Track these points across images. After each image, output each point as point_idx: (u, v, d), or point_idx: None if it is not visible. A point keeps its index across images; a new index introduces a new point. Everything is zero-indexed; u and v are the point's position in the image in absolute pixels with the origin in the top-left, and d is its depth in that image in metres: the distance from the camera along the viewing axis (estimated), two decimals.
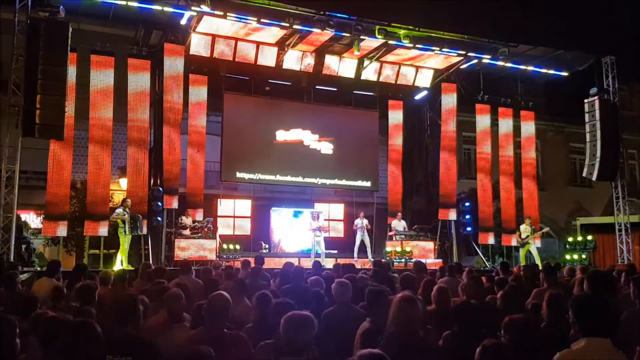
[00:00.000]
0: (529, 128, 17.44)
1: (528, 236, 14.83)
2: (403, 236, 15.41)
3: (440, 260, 15.13)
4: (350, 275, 6.43)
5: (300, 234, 15.80)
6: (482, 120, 16.92)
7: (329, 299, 5.18)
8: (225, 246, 13.81)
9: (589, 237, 16.86)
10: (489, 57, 15.29)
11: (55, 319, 3.55)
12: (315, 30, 13.56)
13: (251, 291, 5.95)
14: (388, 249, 15.20)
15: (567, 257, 16.66)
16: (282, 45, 14.73)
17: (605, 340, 2.89)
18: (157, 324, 4.27)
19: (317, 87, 16.78)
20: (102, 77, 13.14)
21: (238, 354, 3.54)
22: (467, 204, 16.61)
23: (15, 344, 2.96)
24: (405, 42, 14.04)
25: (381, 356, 2.55)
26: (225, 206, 16.60)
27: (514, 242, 15.83)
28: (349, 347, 4.27)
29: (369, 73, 16.22)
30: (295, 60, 15.24)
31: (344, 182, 17.08)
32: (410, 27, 13.96)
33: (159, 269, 7.79)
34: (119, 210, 12.29)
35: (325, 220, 16.26)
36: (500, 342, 3.03)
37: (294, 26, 13.41)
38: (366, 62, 15.85)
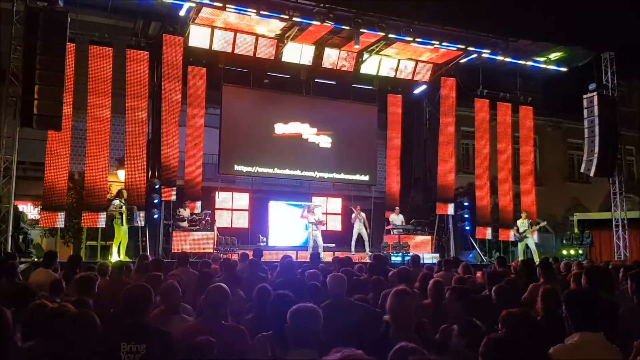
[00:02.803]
0: (527, 123, 17.45)
1: (526, 230, 14.88)
2: (401, 230, 15.43)
3: (438, 254, 15.17)
4: (346, 269, 6.44)
5: (297, 227, 15.78)
6: (481, 115, 16.92)
7: (325, 292, 5.19)
8: (223, 239, 13.80)
9: (586, 233, 16.91)
10: (488, 51, 15.29)
11: (55, 309, 3.55)
12: (314, 22, 13.52)
13: (249, 284, 5.97)
14: (386, 242, 15.23)
15: (564, 252, 16.72)
16: (281, 38, 14.68)
17: (598, 335, 2.90)
18: (154, 316, 4.26)
19: (316, 80, 16.72)
20: (100, 68, 13.07)
21: (236, 345, 3.55)
22: (465, 203, 16.59)
23: (10, 335, 2.96)
24: (405, 36, 14.04)
25: (416, 349, 2.56)
26: (223, 199, 16.58)
27: (512, 237, 15.91)
28: (345, 340, 4.27)
29: (368, 67, 16.19)
30: (295, 53, 15.19)
31: (342, 175, 17.09)
32: (410, 20, 13.95)
33: (157, 261, 7.79)
34: (116, 202, 12.29)
35: (322, 214, 16.25)
36: (504, 336, 3.05)
37: (294, 18, 13.36)
38: (365, 56, 15.82)
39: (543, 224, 15.73)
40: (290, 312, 3.20)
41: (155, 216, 13.42)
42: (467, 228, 16.46)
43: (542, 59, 16.06)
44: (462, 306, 4.09)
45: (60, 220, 12.56)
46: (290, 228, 16.29)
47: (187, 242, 13.02)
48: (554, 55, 15.97)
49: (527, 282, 6.38)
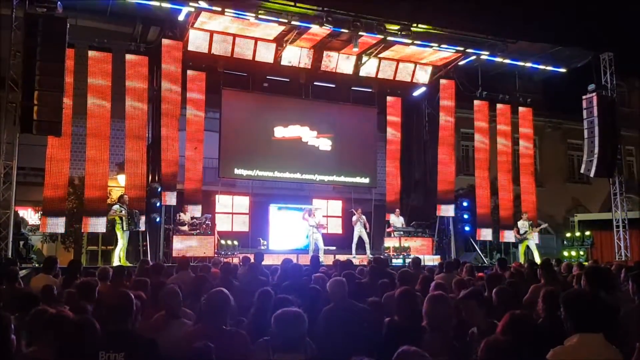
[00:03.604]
0: (527, 124, 17.46)
1: (526, 232, 14.87)
2: (401, 232, 15.42)
3: (439, 256, 15.16)
4: (348, 272, 6.43)
5: (298, 230, 15.78)
6: (480, 117, 16.92)
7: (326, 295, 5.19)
8: (223, 242, 13.79)
9: (587, 234, 16.90)
10: (487, 53, 15.31)
11: (54, 315, 3.55)
12: (313, 26, 13.54)
13: (250, 288, 5.97)
14: (386, 244, 15.22)
15: (565, 253, 16.71)
16: (280, 42, 14.71)
17: (597, 336, 2.88)
18: (155, 321, 4.26)
19: (315, 83, 16.75)
20: (99, 73, 13.09)
21: (237, 350, 3.54)
22: (465, 203, 16.59)
23: (10, 340, 2.96)
24: (403, 39, 14.08)
25: (418, 353, 2.57)
26: (223, 202, 16.57)
27: (506, 238, 15.93)
28: (350, 344, 4.28)
29: (368, 69, 16.20)
30: (294, 56, 15.22)
31: (342, 178, 17.09)
32: (408, 23, 13.97)
33: (157, 266, 7.78)
34: (116, 207, 12.29)
35: (323, 216, 16.24)
36: (503, 338, 3.04)
37: (292, 22, 13.38)
38: (364, 59, 15.84)
39: (544, 225, 15.72)
40: (274, 318, 3.20)
41: (157, 219, 13.40)
42: (467, 229, 16.46)
43: None
44: (480, 307, 4.06)
45: (60, 225, 12.57)
46: (291, 231, 16.28)
47: (188, 246, 13.01)
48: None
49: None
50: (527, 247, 14.95)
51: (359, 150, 17.21)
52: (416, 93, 17.90)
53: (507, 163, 16.99)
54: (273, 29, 14.05)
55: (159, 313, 4.30)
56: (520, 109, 17.40)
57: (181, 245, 12.97)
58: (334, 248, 15.57)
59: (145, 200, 13.25)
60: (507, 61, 15.85)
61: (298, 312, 3.25)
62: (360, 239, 14.94)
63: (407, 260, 13.40)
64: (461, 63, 16.26)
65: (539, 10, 15.30)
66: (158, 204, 13.45)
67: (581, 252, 16.50)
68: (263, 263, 8.82)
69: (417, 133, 18.44)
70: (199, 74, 14.68)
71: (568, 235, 17.59)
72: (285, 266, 7.52)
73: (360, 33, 13.80)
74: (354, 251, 14.80)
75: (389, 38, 14.24)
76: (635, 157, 25.02)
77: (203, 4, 12.57)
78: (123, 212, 12.19)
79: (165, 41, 13.75)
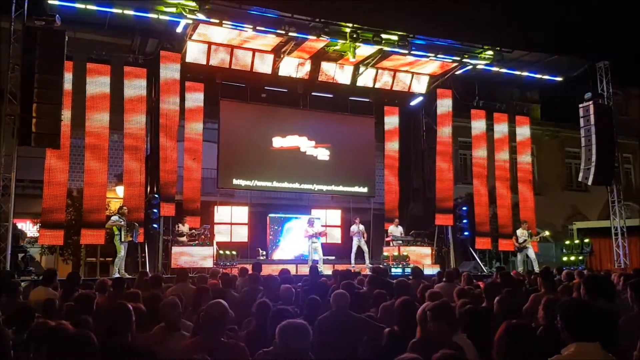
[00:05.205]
0: (524, 133, 17.53)
1: (526, 240, 14.86)
2: (400, 242, 15.40)
3: (438, 265, 15.14)
4: (347, 282, 6.43)
5: (297, 240, 15.77)
6: (478, 126, 16.98)
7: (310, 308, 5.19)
8: (222, 253, 13.77)
9: (586, 241, 16.90)
10: (483, 63, 15.38)
11: (53, 328, 3.54)
12: (310, 37, 13.61)
13: (249, 298, 5.96)
14: (385, 254, 15.20)
15: (564, 259, 16.71)
16: (278, 52, 14.77)
17: (594, 345, 2.88)
18: (155, 334, 4.25)
19: (313, 93, 16.81)
20: (98, 85, 13.13)
21: None
22: (464, 208, 16.63)
23: (9, 355, 2.96)
24: (400, 49, 14.16)
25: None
26: (222, 213, 16.56)
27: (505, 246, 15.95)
28: (344, 352, 4.28)
29: (365, 79, 16.27)
30: (291, 67, 15.28)
31: (340, 188, 17.09)
32: (405, 33, 14.05)
33: (156, 277, 7.77)
34: (115, 218, 12.29)
35: (322, 226, 16.24)
36: (524, 323, 3.03)
37: (290, 33, 13.45)
38: (362, 69, 15.90)
39: (544, 233, 15.69)
40: (279, 329, 3.19)
41: (155, 225, 13.36)
42: (466, 233, 16.46)
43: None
44: (444, 326, 3.96)
45: (59, 237, 12.54)
46: (290, 241, 16.27)
47: (187, 257, 12.98)
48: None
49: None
50: (527, 255, 14.94)
51: (357, 159, 17.23)
52: (413, 102, 17.96)
53: (505, 172, 17.01)
54: (271, 40, 14.11)
55: (158, 325, 4.29)
56: (518, 117, 17.47)
57: (180, 256, 12.95)
58: (333, 258, 15.55)
59: (144, 212, 13.24)
60: (504, 70, 15.92)
61: (303, 324, 3.25)
62: (359, 248, 14.92)
63: (407, 270, 13.39)
64: (458, 72, 16.32)
65: (535, 19, 15.42)
66: (156, 215, 13.42)
67: (580, 258, 16.50)
68: (262, 273, 8.80)
69: (415, 142, 18.49)
70: (197, 85, 14.73)
71: (567, 243, 17.58)
72: (283, 276, 7.55)
73: (357, 44, 13.88)
74: (352, 261, 14.79)
75: (386, 49, 14.31)
76: (633, 165, 25.08)
77: (201, 17, 12.64)
78: (122, 223, 12.18)
79: (163, 53, 13.80)
